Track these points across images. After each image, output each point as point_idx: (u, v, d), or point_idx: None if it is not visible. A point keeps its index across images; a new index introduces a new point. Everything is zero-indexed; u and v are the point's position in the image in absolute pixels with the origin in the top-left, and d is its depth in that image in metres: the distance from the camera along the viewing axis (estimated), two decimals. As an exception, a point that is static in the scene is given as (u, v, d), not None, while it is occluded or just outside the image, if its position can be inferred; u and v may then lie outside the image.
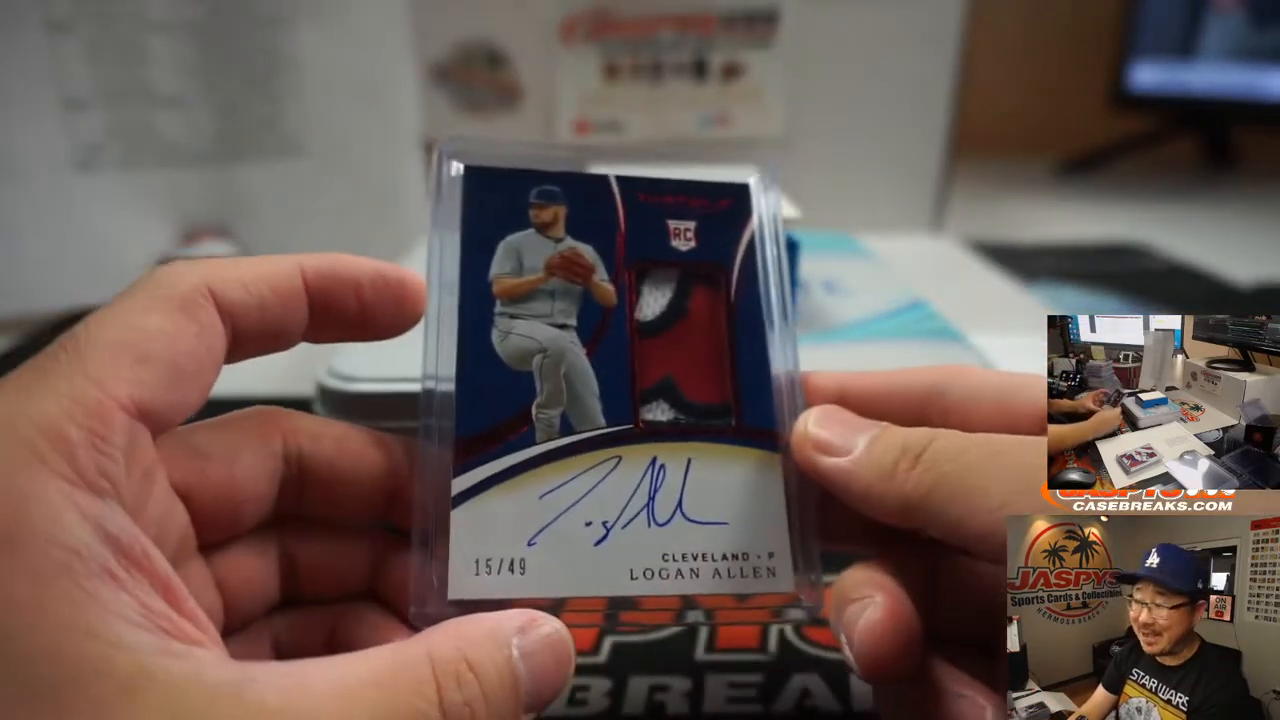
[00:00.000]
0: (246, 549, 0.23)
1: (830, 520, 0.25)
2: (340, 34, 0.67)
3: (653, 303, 0.26)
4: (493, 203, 0.26)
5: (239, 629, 0.23)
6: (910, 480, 0.22)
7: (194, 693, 0.15)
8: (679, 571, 0.23)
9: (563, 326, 0.25)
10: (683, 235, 0.27)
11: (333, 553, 0.25)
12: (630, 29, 0.75)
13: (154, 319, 0.19)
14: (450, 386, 0.24)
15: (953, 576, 0.24)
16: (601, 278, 0.26)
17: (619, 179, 0.27)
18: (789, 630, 0.32)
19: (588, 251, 0.26)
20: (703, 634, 0.32)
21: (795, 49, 0.76)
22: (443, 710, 0.17)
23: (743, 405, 0.25)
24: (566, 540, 0.23)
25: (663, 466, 0.24)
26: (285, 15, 0.66)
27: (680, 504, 0.24)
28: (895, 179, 0.82)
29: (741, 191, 0.28)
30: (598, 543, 0.23)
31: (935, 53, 0.77)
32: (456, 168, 0.26)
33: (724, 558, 0.24)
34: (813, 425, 0.24)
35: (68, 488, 0.16)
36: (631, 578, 0.23)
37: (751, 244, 0.27)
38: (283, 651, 0.24)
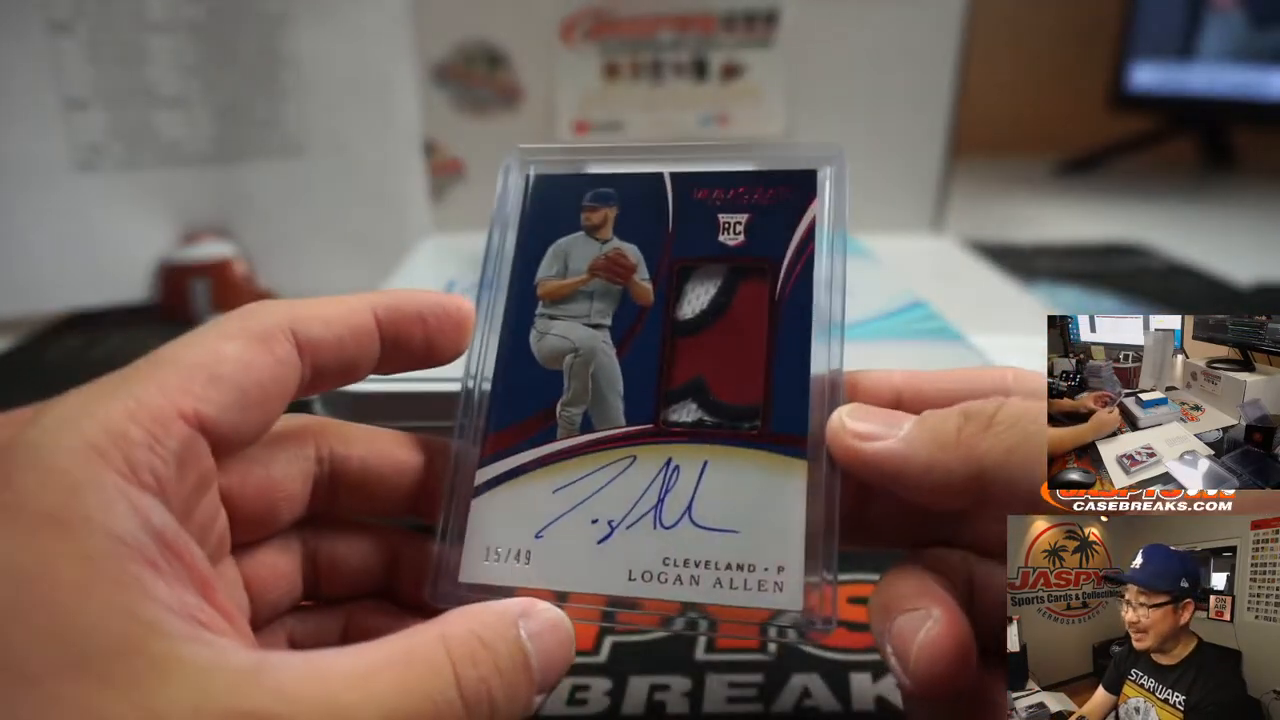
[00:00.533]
0: (273, 549, 0.24)
1: (862, 520, 0.25)
2: (340, 34, 0.67)
3: (694, 301, 0.26)
4: (551, 207, 0.27)
5: (260, 626, 0.24)
6: (984, 442, 0.21)
7: (217, 674, 0.16)
8: (678, 577, 0.23)
9: (597, 326, 0.26)
10: (732, 229, 0.26)
11: (353, 551, 0.25)
12: (630, 29, 0.75)
13: (232, 346, 0.21)
14: (488, 386, 0.25)
15: (987, 582, 0.24)
16: (642, 277, 0.26)
17: (673, 175, 0.27)
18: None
19: (632, 251, 0.26)
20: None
21: (795, 49, 0.76)
22: (460, 688, 0.18)
23: (773, 408, 0.24)
24: (571, 535, 0.23)
25: (676, 468, 0.24)
26: (285, 15, 0.66)
27: (690, 508, 0.23)
28: (895, 179, 0.82)
29: (806, 179, 0.26)
30: (600, 541, 0.23)
31: (935, 53, 0.77)
32: (524, 175, 0.27)
33: (728, 567, 0.23)
34: (849, 419, 0.23)
35: (121, 481, 0.17)
36: (629, 578, 0.23)
37: (809, 237, 0.26)
38: (298, 647, 0.25)
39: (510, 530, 0.24)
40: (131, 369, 0.20)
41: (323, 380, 0.23)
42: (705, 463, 0.24)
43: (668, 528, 0.23)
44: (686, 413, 0.25)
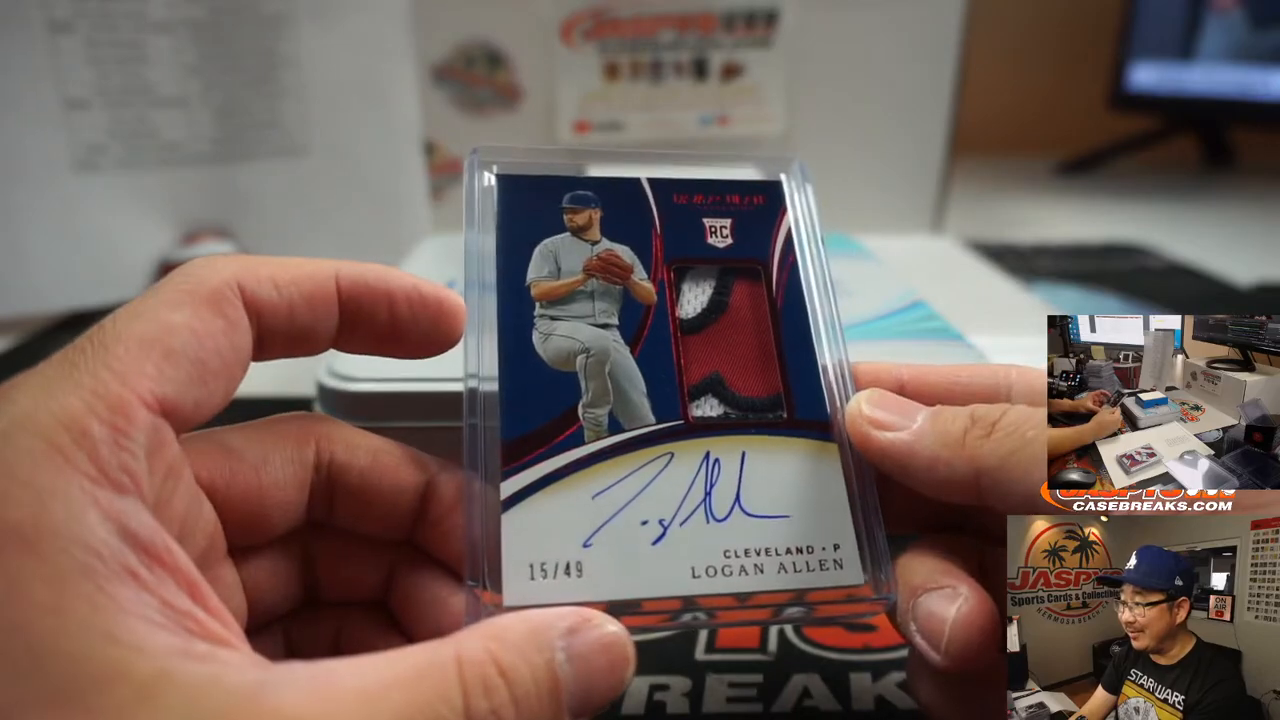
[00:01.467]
0: (274, 553, 0.23)
1: (880, 502, 0.25)
2: (340, 34, 0.67)
3: (693, 300, 0.27)
4: (527, 208, 0.27)
5: (258, 630, 0.23)
6: (985, 446, 0.21)
7: (212, 697, 0.15)
8: (742, 568, 0.23)
9: (605, 326, 0.25)
10: (719, 232, 0.27)
11: (354, 561, 0.24)
12: (630, 29, 0.75)
13: (181, 314, 0.19)
14: (493, 386, 0.24)
15: (997, 566, 0.24)
16: (640, 277, 0.26)
17: (650, 181, 0.28)
18: (789, 629, 0.32)
19: (625, 252, 0.27)
20: (703, 633, 0.32)
21: (795, 49, 0.76)
22: (468, 718, 0.16)
23: (793, 397, 0.25)
24: (623, 540, 0.23)
25: (717, 461, 0.24)
26: (285, 15, 0.66)
27: (738, 498, 0.24)
28: (895, 179, 0.81)
29: (774, 188, 0.28)
30: (655, 541, 0.23)
31: (935, 53, 0.77)
32: (489, 176, 0.27)
33: (788, 551, 0.23)
34: (866, 405, 0.24)
35: (89, 485, 0.16)
36: (693, 576, 0.22)
37: (789, 239, 0.28)
38: (293, 649, 0.24)
39: (554, 543, 0.22)
40: (76, 351, 0.18)
41: (272, 346, 0.21)
42: (744, 453, 0.24)
43: (720, 520, 0.23)
44: (709, 407, 0.25)
